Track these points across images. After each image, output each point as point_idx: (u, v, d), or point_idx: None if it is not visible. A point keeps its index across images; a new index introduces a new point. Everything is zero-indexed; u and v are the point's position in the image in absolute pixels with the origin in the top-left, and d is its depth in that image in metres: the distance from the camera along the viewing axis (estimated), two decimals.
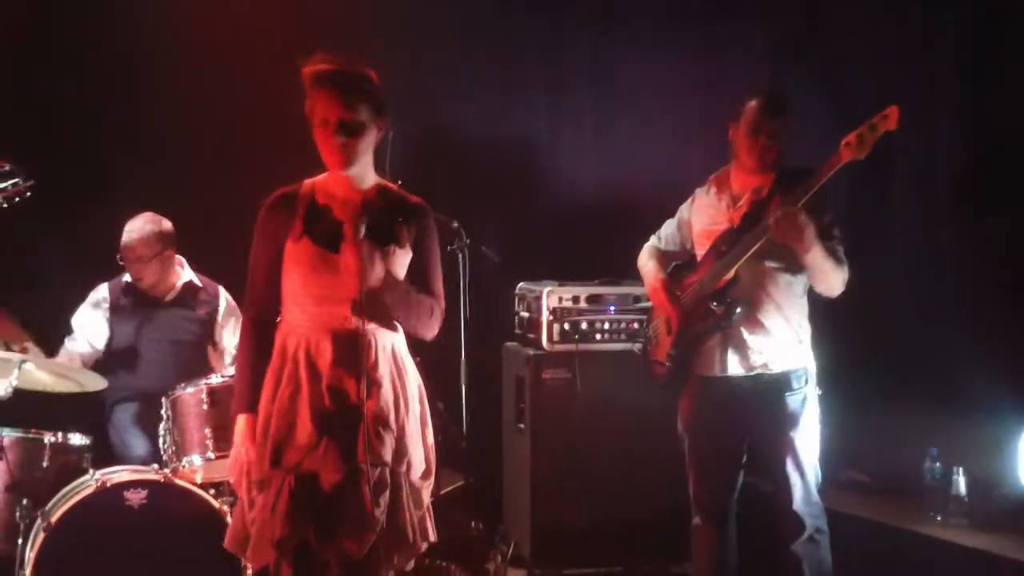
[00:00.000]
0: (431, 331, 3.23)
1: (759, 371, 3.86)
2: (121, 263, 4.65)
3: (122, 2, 5.35)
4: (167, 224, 4.71)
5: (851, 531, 4.34)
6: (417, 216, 3.19)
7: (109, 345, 4.71)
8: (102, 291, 4.74)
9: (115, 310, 4.71)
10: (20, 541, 3.99)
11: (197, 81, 5.32)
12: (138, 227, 4.64)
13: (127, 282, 4.72)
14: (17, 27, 5.17)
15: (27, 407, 4.27)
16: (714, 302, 3.84)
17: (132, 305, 4.71)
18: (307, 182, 3.19)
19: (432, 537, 3.21)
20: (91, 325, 4.71)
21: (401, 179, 3.28)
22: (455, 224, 4.79)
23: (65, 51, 5.25)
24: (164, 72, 5.34)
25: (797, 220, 3.59)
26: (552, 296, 4.96)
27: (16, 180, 3.70)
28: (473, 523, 5.07)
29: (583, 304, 4.99)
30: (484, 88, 5.90)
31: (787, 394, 3.83)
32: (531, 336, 5.06)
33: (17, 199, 3.71)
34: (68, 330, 4.73)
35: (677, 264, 4.11)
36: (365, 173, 3.17)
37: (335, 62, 3.07)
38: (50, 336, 4.64)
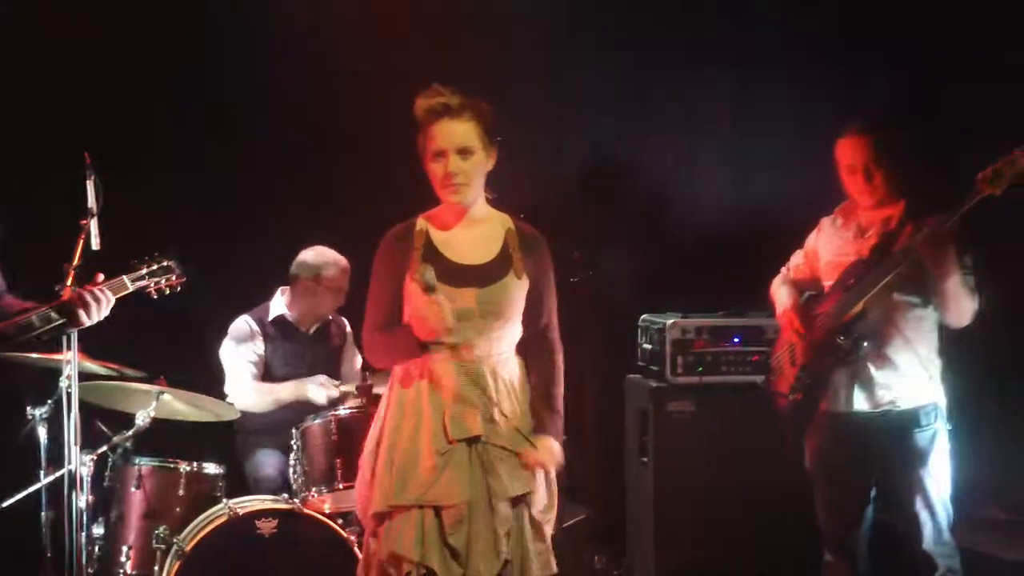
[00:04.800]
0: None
1: (887, 407, 3.76)
2: (305, 290, 4.68)
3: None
4: None
5: (988, 571, 4.21)
6: (533, 247, 3.22)
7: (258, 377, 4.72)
8: (249, 324, 4.73)
9: (268, 341, 4.73)
10: (156, 567, 4.11)
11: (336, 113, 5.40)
12: (335, 259, 4.70)
13: (279, 314, 4.76)
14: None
15: (164, 436, 4.39)
16: (840, 336, 3.76)
17: (280, 337, 4.75)
18: (421, 217, 3.23)
19: (554, 569, 3.19)
20: (243, 361, 4.69)
21: (524, 211, 3.29)
22: (576, 254, 4.78)
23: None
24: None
25: (945, 240, 3.50)
26: (675, 328, 4.91)
27: (169, 275, 3.67)
28: (596, 557, 5.04)
29: (707, 336, 4.93)
30: (613, 118, 5.89)
31: (916, 430, 3.74)
32: (654, 368, 5.02)
33: (168, 291, 3.70)
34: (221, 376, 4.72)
35: (810, 295, 4.04)
36: (478, 204, 3.19)
37: (446, 93, 3.10)
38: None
